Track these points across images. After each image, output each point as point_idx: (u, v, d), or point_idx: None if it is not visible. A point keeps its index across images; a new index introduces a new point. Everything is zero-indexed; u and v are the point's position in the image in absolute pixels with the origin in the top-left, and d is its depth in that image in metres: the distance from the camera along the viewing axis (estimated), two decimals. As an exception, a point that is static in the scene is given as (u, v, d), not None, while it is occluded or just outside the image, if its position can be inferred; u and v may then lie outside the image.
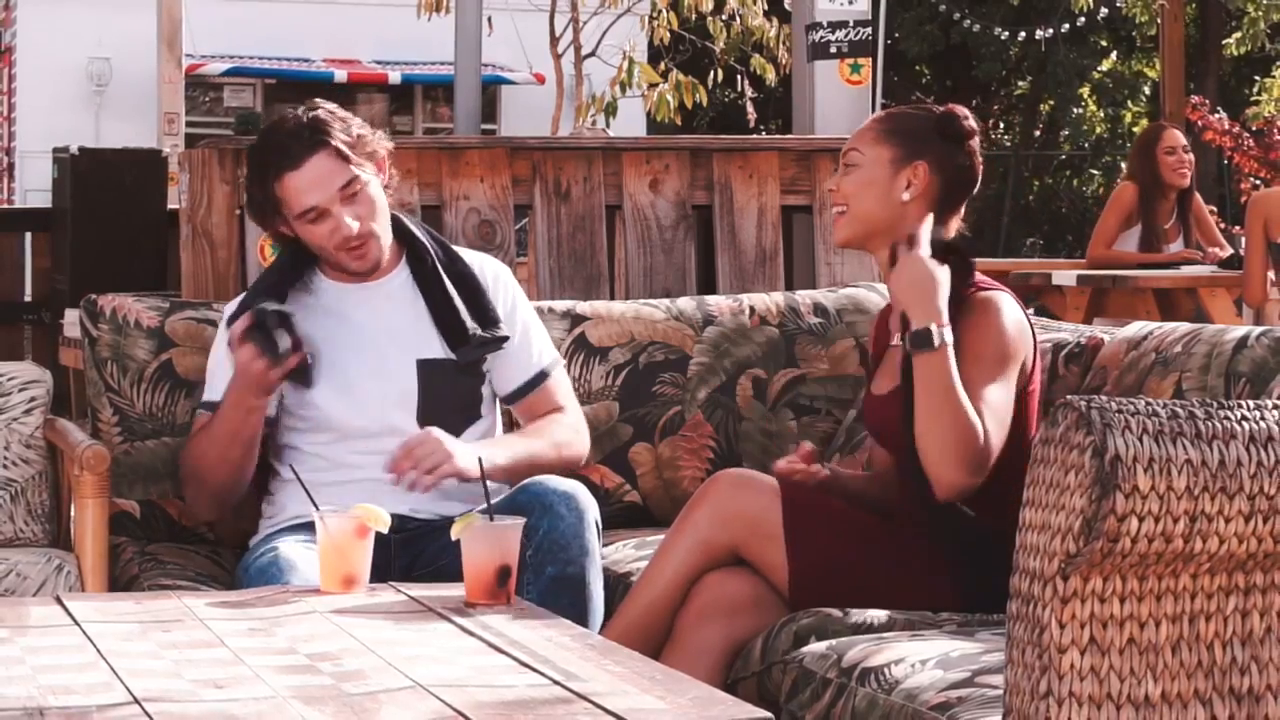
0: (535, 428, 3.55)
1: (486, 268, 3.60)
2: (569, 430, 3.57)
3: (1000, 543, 2.67)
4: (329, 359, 3.45)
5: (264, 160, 3.43)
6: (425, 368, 3.47)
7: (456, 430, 3.46)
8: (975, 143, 3.33)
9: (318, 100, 3.50)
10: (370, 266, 3.47)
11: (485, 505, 2.91)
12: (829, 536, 3.18)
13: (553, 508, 3.18)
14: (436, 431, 3.33)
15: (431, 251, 3.52)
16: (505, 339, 3.51)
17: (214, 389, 3.47)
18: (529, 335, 3.60)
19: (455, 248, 3.61)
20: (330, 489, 3.21)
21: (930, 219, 3.23)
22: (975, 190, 3.37)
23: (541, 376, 3.58)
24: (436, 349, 3.48)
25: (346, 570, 2.77)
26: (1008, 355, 3.14)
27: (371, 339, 3.48)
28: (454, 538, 2.73)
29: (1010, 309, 3.18)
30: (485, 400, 3.56)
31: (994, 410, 3.08)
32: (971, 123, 3.33)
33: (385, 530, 2.81)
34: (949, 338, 3.07)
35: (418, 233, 3.55)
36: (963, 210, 3.34)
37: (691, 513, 3.21)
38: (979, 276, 3.25)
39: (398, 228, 3.53)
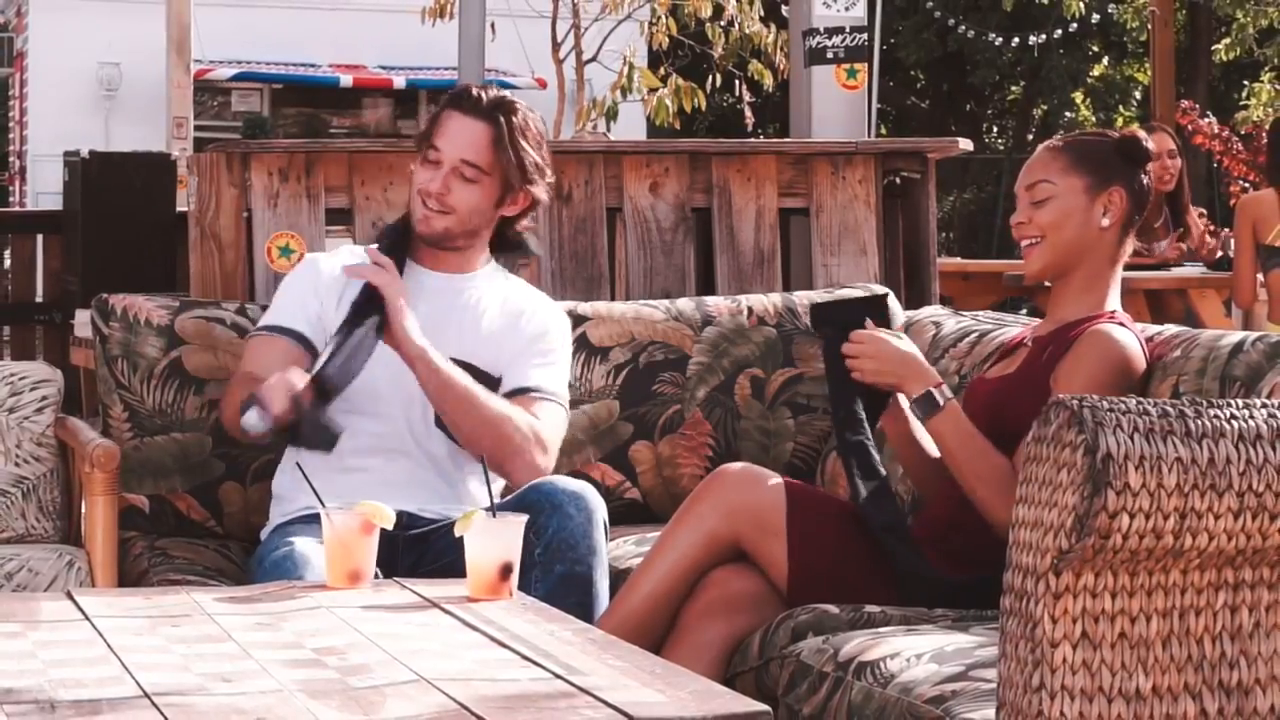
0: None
1: (538, 316, 3.62)
2: (526, 424, 3.41)
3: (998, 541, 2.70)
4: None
5: (456, 94, 3.58)
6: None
7: None
8: (1150, 165, 3.32)
9: (524, 108, 3.59)
10: (432, 233, 3.54)
11: (489, 503, 2.95)
12: (831, 536, 3.20)
13: (562, 507, 3.20)
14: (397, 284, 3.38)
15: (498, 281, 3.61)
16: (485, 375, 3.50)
17: (277, 314, 3.55)
18: (549, 360, 3.57)
19: (531, 290, 3.70)
20: (336, 479, 3.25)
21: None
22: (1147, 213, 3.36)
23: (533, 390, 3.51)
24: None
25: (352, 566, 2.78)
26: (1107, 386, 3.13)
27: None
28: (458, 534, 2.75)
29: (1122, 340, 3.19)
30: None
31: None
32: (1151, 145, 3.32)
33: (390, 527, 2.82)
34: (949, 394, 3.15)
35: (499, 266, 3.66)
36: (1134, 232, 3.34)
37: (696, 504, 3.23)
38: (1115, 309, 3.27)
39: (506, 242, 3.64)
